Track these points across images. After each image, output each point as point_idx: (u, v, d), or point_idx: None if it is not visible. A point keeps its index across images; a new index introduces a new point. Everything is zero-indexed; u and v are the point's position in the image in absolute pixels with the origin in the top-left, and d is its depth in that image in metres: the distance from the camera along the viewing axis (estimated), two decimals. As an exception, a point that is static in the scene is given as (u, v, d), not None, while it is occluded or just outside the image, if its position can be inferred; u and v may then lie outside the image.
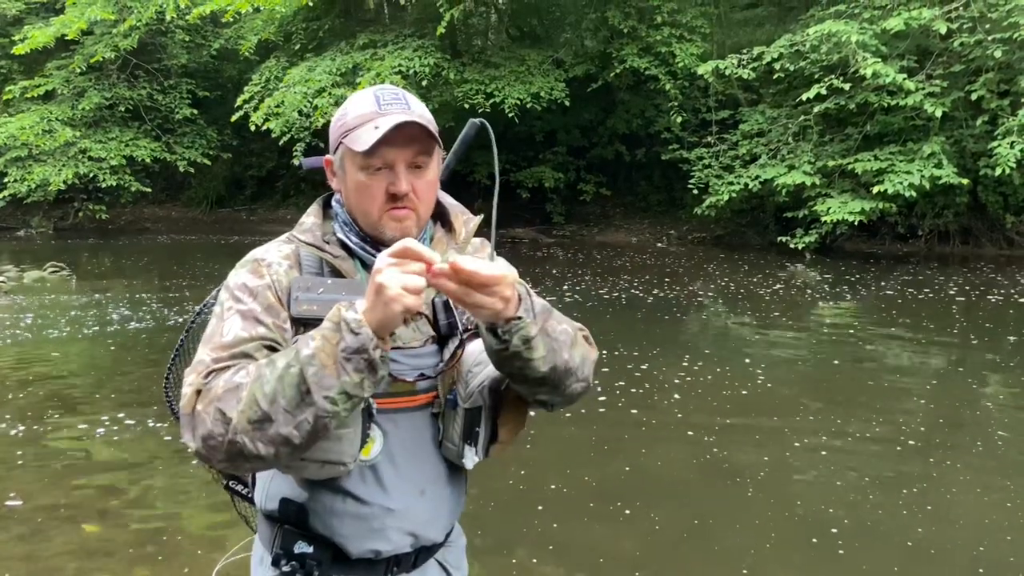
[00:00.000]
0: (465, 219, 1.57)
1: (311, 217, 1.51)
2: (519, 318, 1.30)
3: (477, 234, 1.59)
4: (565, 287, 10.83)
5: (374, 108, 1.40)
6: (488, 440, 1.49)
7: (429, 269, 1.21)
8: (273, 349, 1.34)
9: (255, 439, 1.23)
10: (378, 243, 1.44)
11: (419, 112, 1.41)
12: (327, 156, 1.50)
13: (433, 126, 1.40)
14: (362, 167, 1.40)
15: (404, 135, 1.36)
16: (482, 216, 1.54)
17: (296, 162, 15.29)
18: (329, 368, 1.21)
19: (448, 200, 1.58)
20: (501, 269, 1.24)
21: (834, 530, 3.93)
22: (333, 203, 1.53)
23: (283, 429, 1.23)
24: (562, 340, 1.40)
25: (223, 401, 1.24)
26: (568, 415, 5.43)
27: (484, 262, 1.23)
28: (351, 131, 1.40)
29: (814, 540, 3.84)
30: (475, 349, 1.44)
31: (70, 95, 18.94)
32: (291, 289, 1.39)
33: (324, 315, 1.29)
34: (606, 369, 6.66)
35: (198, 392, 1.28)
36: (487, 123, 1.49)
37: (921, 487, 4.45)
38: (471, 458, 1.48)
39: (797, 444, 5.12)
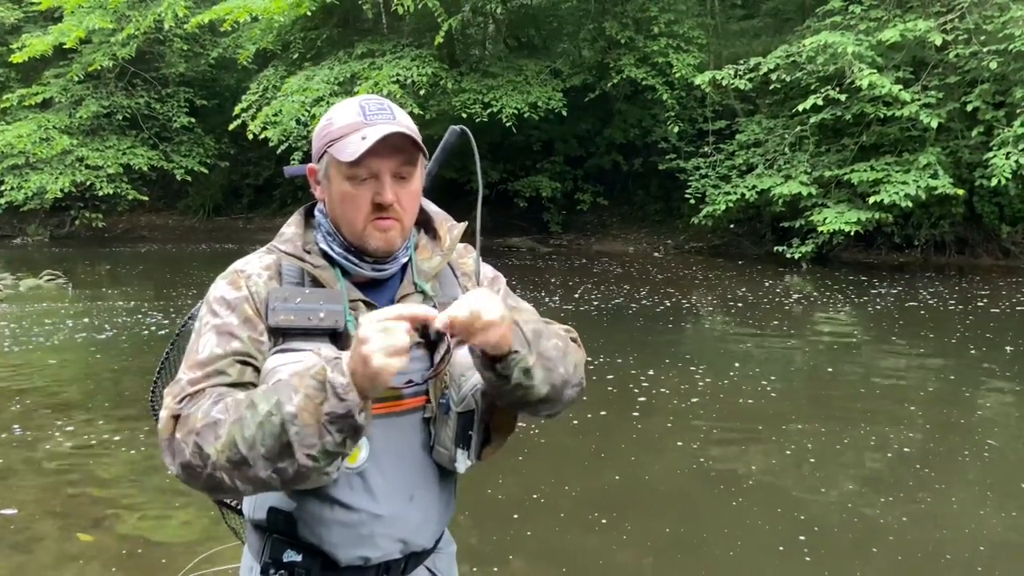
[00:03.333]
0: (449, 226, 1.58)
1: (292, 227, 1.50)
2: (516, 352, 1.33)
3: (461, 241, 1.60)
4: (562, 296, 10.83)
5: (360, 118, 1.39)
6: (480, 444, 1.49)
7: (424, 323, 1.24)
8: (246, 363, 1.35)
9: (234, 477, 1.24)
10: (362, 253, 1.44)
11: (404, 122, 1.41)
12: (311, 164, 1.49)
13: (418, 136, 1.41)
14: (348, 176, 1.39)
15: (390, 145, 1.36)
16: (466, 223, 1.54)
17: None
18: (311, 427, 1.20)
19: (432, 207, 1.59)
20: (483, 297, 1.29)
21: (828, 539, 3.93)
22: (316, 212, 1.52)
23: (262, 473, 1.23)
24: (555, 357, 1.42)
25: (201, 436, 1.24)
26: (563, 424, 5.43)
27: (461, 303, 1.26)
28: (336, 141, 1.39)
29: (807, 549, 3.83)
30: (467, 353, 1.45)
31: (68, 103, 18.96)
32: (268, 300, 1.39)
33: (301, 324, 1.31)
34: (609, 376, 6.66)
35: (175, 418, 1.29)
36: (468, 130, 1.50)
37: (914, 496, 4.46)
38: (463, 462, 1.48)
39: (791, 453, 5.12)
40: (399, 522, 1.46)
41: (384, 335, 1.19)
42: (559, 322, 1.55)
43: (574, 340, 1.53)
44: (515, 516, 4.23)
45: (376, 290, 1.48)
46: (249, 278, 1.42)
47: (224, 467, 1.23)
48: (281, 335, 1.37)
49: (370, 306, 1.44)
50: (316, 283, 1.43)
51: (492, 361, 1.33)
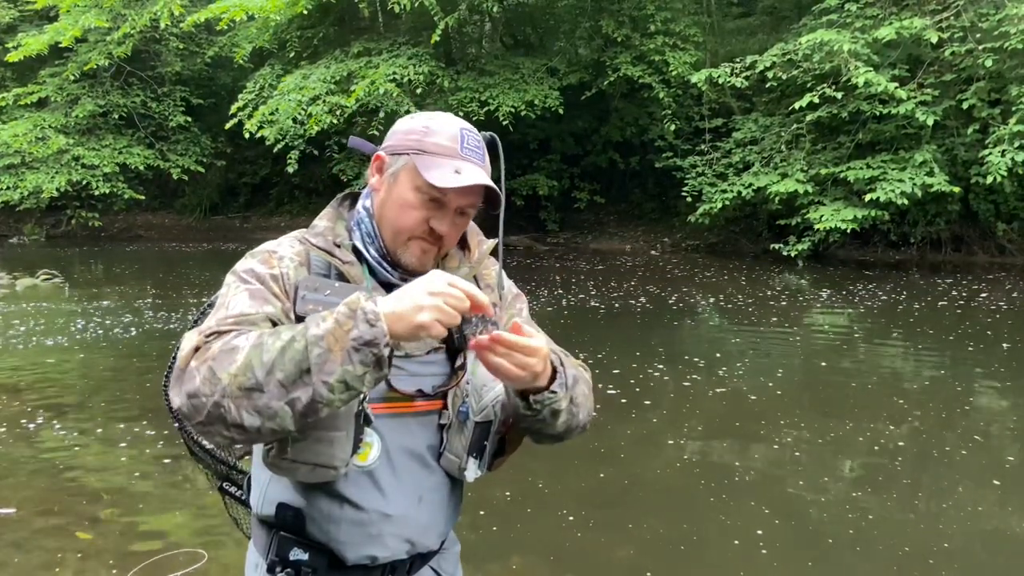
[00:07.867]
0: (479, 240, 1.58)
1: (323, 220, 1.50)
2: (554, 392, 1.35)
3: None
4: (559, 294, 10.83)
5: (456, 147, 1.40)
6: (493, 454, 1.50)
7: (476, 310, 1.24)
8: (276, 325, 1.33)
9: (241, 406, 1.19)
10: (395, 264, 1.45)
11: (487, 166, 1.44)
12: (379, 151, 1.47)
13: (489, 177, 1.43)
14: (418, 188, 1.40)
15: (470, 187, 1.38)
16: (496, 241, 1.53)
17: (290, 169, 15.29)
18: (335, 353, 1.18)
19: None
20: (539, 342, 1.29)
21: (825, 536, 3.95)
22: (360, 208, 1.51)
23: (273, 403, 1.19)
24: (581, 404, 1.46)
25: (217, 360, 1.21)
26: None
27: (521, 337, 1.27)
28: (426, 153, 1.39)
29: (805, 546, 3.85)
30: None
31: (63, 102, 18.90)
32: (298, 287, 1.37)
33: None
34: (606, 374, 6.66)
35: (196, 349, 1.25)
36: (496, 137, 1.49)
37: (908, 492, 4.48)
38: (474, 471, 1.48)
39: (787, 449, 5.14)
40: (407, 522, 1.46)
41: (443, 295, 1.21)
42: (559, 322, 1.55)
43: (584, 369, 1.55)
44: (512, 514, 4.23)
45: None
46: (281, 260, 1.41)
47: (234, 394, 1.19)
48: None
49: None
50: (342, 278, 1.42)
51: (525, 392, 1.35)
